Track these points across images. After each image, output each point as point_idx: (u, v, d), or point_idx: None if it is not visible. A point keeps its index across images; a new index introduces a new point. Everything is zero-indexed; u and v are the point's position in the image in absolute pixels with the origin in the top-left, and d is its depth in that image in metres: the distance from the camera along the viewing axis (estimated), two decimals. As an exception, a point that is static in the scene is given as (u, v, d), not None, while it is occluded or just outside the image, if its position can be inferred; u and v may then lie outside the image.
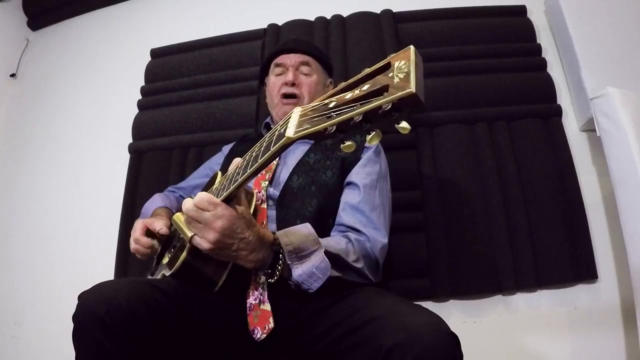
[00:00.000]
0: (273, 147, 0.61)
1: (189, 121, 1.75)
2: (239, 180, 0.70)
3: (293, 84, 1.17)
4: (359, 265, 0.89)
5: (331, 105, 0.56)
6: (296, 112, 0.61)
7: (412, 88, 0.48)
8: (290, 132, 0.58)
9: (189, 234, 0.75)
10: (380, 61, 0.56)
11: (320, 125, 0.55)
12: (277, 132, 0.63)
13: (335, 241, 0.89)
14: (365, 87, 0.54)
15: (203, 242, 0.74)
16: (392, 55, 0.55)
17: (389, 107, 0.49)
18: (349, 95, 0.55)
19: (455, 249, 1.45)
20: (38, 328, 1.74)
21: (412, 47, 0.53)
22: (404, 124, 0.51)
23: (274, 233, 0.82)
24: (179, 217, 0.79)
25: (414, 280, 1.42)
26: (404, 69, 0.51)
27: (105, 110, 1.99)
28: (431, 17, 1.76)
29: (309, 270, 0.79)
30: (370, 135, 0.54)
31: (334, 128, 0.54)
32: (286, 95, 1.17)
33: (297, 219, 0.95)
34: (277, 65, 1.23)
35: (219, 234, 0.72)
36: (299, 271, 0.79)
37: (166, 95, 1.84)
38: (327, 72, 1.28)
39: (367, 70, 0.56)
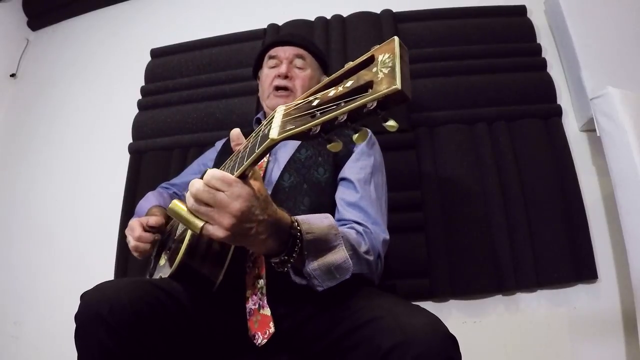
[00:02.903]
0: (258, 148, 0.59)
1: (189, 121, 1.75)
2: None
3: (286, 77, 1.14)
4: (370, 257, 0.84)
5: (315, 103, 0.53)
6: (279, 111, 0.59)
7: (398, 84, 0.45)
8: (274, 134, 0.55)
9: (199, 224, 0.63)
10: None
11: (304, 125, 0.52)
12: (261, 132, 0.61)
13: (347, 231, 0.85)
14: (349, 83, 0.50)
15: (217, 231, 0.62)
16: (375, 48, 0.52)
17: (374, 105, 0.46)
18: (332, 93, 0.52)
19: (455, 249, 1.45)
20: (38, 328, 1.74)
21: (396, 37, 0.50)
22: (391, 122, 0.48)
23: (290, 216, 0.73)
24: (178, 207, 0.65)
25: (414, 280, 1.42)
26: (388, 63, 0.48)
27: (105, 110, 1.99)
28: (431, 17, 1.76)
29: (325, 267, 0.72)
30: (356, 135, 0.51)
31: (318, 128, 0.51)
32: (278, 88, 1.14)
33: None
34: (271, 57, 1.20)
35: (236, 219, 0.61)
36: (314, 265, 0.72)
37: (166, 95, 1.84)
38: (322, 68, 1.25)
39: (350, 64, 0.53)
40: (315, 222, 0.74)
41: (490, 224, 1.46)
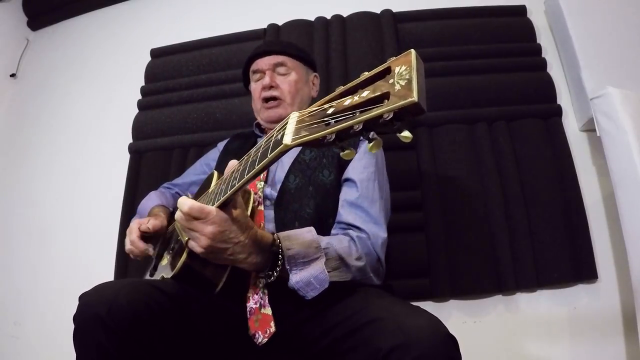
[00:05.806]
0: (270, 153, 0.60)
1: (189, 121, 1.76)
2: (236, 185, 0.68)
3: (271, 87, 1.15)
4: (361, 263, 0.87)
5: (330, 111, 0.54)
6: (293, 118, 0.60)
7: (415, 97, 0.46)
8: (287, 139, 0.56)
9: (185, 238, 0.77)
10: (380, 62, 0.54)
11: (319, 133, 0.53)
12: (273, 137, 0.62)
13: (337, 240, 0.88)
14: (365, 93, 0.52)
15: (196, 247, 0.75)
16: (392, 59, 0.52)
17: (390, 116, 0.47)
18: (348, 102, 0.53)
19: (455, 249, 1.45)
20: (38, 328, 1.74)
21: (412, 51, 0.51)
22: (406, 133, 0.49)
23: (273, 234, 0.81)
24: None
25: (414, 280, 1.43)
26: (405, 75, 0.49)
27: (105, 110, 1.99)
28: (431, 17, 1.76)
29: (306, 279, 0.78)
30: (371, 144, 0.52)
31: (333, 136, 0.52)
32: (267, 99, 1.16)
33: (295, 221, 0.95)
34: (254, 72, 1.22)
35: (210, 240, 0.73)
36: (296, 278, 0.78)
37: (166, 95, 1.84)
38: (308, 66, 1.25)
39: (366, 75, 0.54)
40: (297, 237, 0.82)
41: (490, 224, 1.46)
